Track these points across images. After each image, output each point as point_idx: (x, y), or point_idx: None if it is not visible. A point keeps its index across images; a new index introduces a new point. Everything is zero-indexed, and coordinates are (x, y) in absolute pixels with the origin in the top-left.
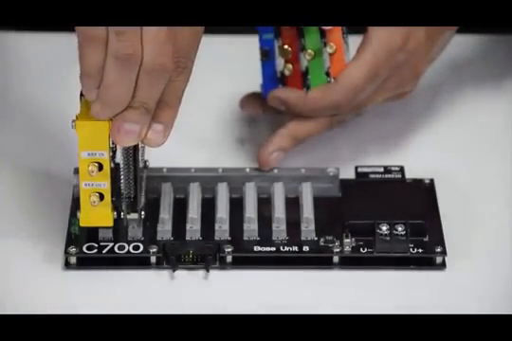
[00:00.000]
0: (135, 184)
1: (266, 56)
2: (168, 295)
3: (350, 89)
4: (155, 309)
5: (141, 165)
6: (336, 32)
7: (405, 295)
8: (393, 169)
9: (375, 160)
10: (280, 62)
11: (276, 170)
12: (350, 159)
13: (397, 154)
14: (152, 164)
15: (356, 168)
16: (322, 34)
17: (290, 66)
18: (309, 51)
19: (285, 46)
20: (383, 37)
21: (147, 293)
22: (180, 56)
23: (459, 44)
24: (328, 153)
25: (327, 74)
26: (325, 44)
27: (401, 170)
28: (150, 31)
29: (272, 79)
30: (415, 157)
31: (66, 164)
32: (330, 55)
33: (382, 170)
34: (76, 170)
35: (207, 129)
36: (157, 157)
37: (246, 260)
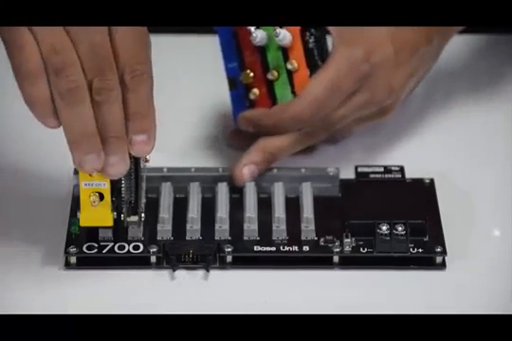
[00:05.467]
0: (136, 188)
1: (234, 85)
2: (168, 295)
3: (310, 101)
4: (155, 309)
5: (142, 165)
6: (297, 49)
7: (405, 295)
8: (393, 169)
9: (375, 160)
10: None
11: (276, 170)
12: (350, 159)
13: (397, 154)
14: (152, 164)
15: (356, 168)
16: (284, 52)
17: (256, 90)
18: (273, 72)
19: (247, 71)
20: (345, 51)
21: (147, 293)
22: (132, 64)
23: (458, 44)
24: (328, 153)
25: (293, 93)
26: (286, 62)
27: (401, 170)
28: (85, 47)
29: (242, 106)
30: (415, 157)
31: (66, 164)
32: (292, 72)
33: (382, 170)
34: (76, 171)
35: (207, 129)
36: (157, 157)
37: (246, 259)
